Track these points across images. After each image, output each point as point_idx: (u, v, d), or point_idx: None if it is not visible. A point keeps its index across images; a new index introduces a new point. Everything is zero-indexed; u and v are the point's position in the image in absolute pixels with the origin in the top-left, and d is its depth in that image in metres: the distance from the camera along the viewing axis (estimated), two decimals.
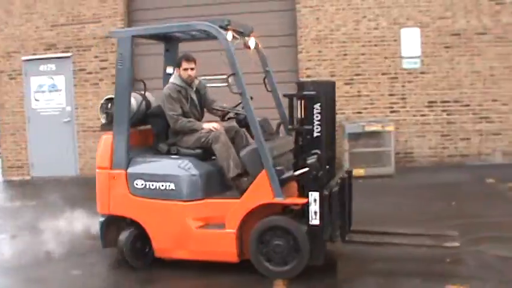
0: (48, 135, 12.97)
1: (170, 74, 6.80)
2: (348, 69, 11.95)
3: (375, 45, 11.92)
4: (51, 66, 12.97)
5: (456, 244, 5.97)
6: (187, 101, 6.43)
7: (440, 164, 11.91)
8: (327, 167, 5.89)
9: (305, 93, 5.64)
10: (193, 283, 5.87)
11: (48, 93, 13.05)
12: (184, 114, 6.37)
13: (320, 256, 5.58)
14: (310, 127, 5.61)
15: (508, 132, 11.88)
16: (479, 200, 8.82)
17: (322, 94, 5.66)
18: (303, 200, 5.54)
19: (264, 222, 5.63)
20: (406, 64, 11.93)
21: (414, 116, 11.97)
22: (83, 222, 8.07)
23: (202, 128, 6.26)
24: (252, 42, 6.59)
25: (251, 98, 6.38)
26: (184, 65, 6.40)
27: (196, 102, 6.58)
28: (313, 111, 5.60)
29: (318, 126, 5.60)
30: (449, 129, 11.95)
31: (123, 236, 6.20)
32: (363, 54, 11.93)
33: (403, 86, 11.87)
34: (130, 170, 6.15)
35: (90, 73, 12.82)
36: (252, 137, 6.09)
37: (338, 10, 11.97)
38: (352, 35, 11.91)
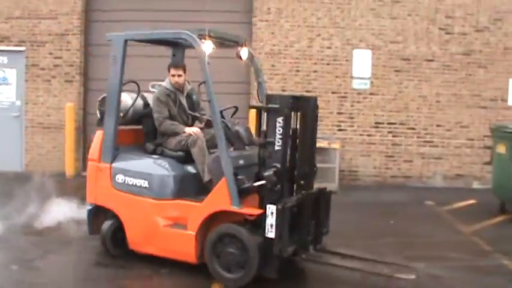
0: None
1: None
2: (299, 85, 12.17)
3: (327, 64, 12.19)
4: (3, 59, 12.75)
5: (412, 277, 5.97)
6: (175, 105, 6.63)
7: (383, 184, 12.23)
8: (301, 182, 6.05)
9: (269, 106, 5.74)
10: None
11: None
12: (172, 118, 6.59)
13: (272, 270, 5.64)
14: (272, 140, 5.67)
15: (449, 157, 12.29)
16: (417, 221, 9.13)
17: (290, 108, 5.71)
18: (257, 211, 5.65)
19: (219, 228, 5.77)
20: (356, 84, 12.23)
21: (361, 135, 12.27)
22: (21, 217, 8.11)
23: (184, 132, 6.45)
24: (244, 52, 6.78)
25: (236, 108, 6.81)
26: (172, 71, 6.65)
27: (185, 106, 6.73)
28: (275, 125, 5.66)
29: (280, 140, 5.65)
30: (394, 151, 12.30)
31: (105, 225, 6.58)
32: (314, 71, 12.18)
33: (351, 106, 12.16)
34: (114, 164, 6.51)
35: (43, 69, 12.68)
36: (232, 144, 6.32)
37: (293, 26, 12.20)
38: (306, 52, 12.16)
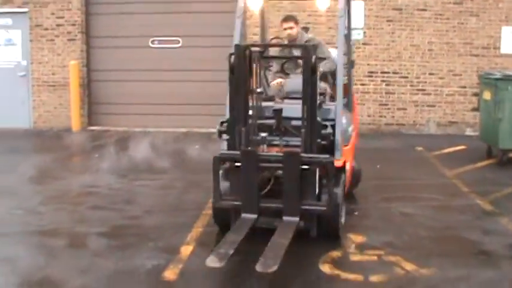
0: (4, 88, 13.21)
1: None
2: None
3: (321, 16, 12.45)
4: (8, 21, 13.15)
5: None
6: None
7: (377, 132, 12.62)
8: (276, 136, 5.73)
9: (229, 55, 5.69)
10: None
11: (4, 46, 13.25)
12: (284, 70, 6.80)
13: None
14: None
15: (442, 104, 12.61)
16: (404, 165, 9.55)
17: (240, 58, 5.52)
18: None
19: None
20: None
21: (355, 84, 12.52)
22: (29, 169, 8.76)
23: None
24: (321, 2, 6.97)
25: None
26: (283, 25, 6.83)
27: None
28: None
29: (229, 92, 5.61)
30: (388, 99, 12.63)
31: None
32: (308, 23, 12.40)
33: None
34: None
35: (46, 29, 13.06)
36: None
37: None
38: (299, 5, 12.39)
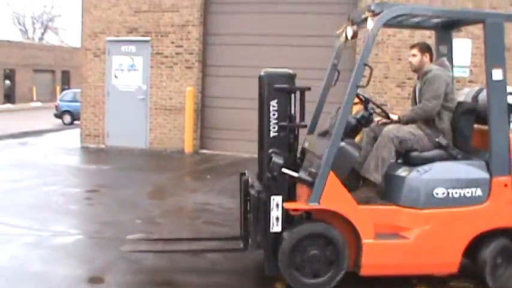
0: (124, 110, 14.27)
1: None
2: (400, 72, 12.76)
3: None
4: (132, 48, 14.24)
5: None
6: (414, 90, 6.24)
7: None
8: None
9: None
10: None
11: (127, 71, 14.34)
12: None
13: None
14: None
15: None
16: None
17: (260, 86, 5.55)
18: None
19: None
20: (456, 72, 12.63)
21: None
22: (146, 185, 9.54)
23: None
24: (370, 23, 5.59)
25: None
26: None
27: (417, 92, 6.09)
28: None
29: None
30: None
31: None
32: None
33: None
34: None
35: (166, 57, 14.05)
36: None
37: None
38: (407, 42, 12.67)
